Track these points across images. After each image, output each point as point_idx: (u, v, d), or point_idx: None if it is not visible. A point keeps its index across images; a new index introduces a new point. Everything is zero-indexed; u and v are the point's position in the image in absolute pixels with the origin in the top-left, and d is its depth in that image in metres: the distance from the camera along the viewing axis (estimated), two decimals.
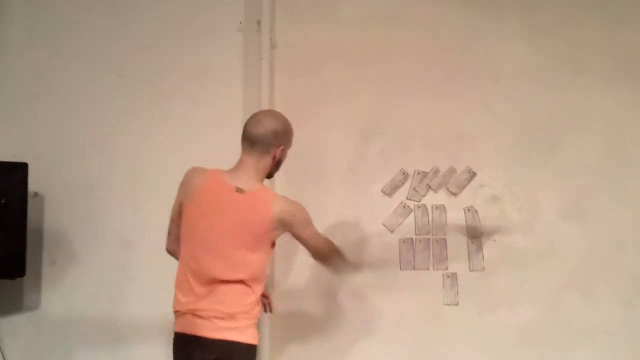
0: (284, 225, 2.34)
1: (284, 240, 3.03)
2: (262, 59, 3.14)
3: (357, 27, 3.17)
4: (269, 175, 2.44)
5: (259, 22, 3.19)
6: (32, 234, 3.06)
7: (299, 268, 3.06)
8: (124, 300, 3.09)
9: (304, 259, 2.97)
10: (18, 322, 3.13)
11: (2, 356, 3.08)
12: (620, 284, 2.92)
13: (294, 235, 2.40)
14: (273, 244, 2.39)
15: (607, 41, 3.04)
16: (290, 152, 3.10)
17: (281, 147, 2.38)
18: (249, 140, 2.35)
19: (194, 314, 2.26)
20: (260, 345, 2.89)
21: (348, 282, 3.02)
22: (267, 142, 2.34)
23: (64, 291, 3.14)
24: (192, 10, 3.28)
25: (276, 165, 2.43)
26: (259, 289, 2.35)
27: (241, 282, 2.29)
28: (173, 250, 2.43)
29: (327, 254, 2.50)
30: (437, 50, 3.11)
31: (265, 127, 2.35)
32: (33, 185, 3.05)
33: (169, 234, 2.44)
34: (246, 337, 2.28)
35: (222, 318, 2.24)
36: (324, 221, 3.05)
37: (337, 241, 2.98)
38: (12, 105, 3.29)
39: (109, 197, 3.18)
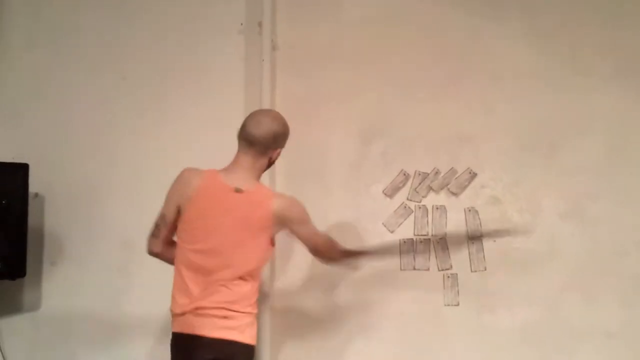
0: (283, 222, 2.35)
1: (285, 240, 3.04)
2: (263, 60, 3.15)
3: (358, 29, 3.17)
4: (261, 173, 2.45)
5: (260, 24, 3.19)
6: (33, 235, 3.07)
7: (299, 268, 3.06)
8: (125, 300, 3.10)
9: (304, 258, 2.99)
10: (18, 322, 3.13)
11: (3, 356, 3.07)
12: (621, 285, 2.91)
13: (292, 231, 2.41)
14: (273, 243, 2.40)
15: (608, 42, 3.03)
16: (292, 153, 3.11)
17: (278, 150, 2.40)
18: (248, 140, 2.34)
19: (194, 313, 2.26)
20: (260, 346, 2.91)
21: (348, 282, 3.02)
22: (266, 144, 2.34)
23: (64, 292, 3.15)
24: (194, 12, 3.28)
25: (269, 165, 2.44)
26: (257, 287, 2.37)
27: (242, 280, 2.30)
28: (160, 252, 2.41)
29: (326, 250, 2.50)
30: (438, 51, 3.12)
31: (265, 129, 2.34)
32: (34, 186, 3.06)
33: (155, 236, 2.40)
34: (245, 337, 2.29)
35: (222, 317, 2.25)
36: (324, 222, 3.04)
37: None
38: (13, 106, 3.30)
39: (109, 198, 3.18)
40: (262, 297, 2.95)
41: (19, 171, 2.98)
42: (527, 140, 3.02)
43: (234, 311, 2.27)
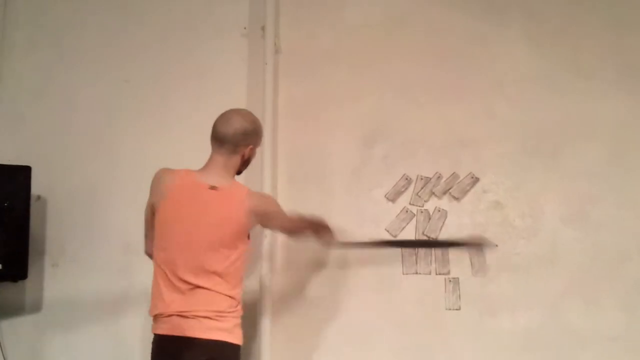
0: (258, 217, 2.41)
1: (286, 241, 3.05)
2: (266, 64, 3.15)
3: (360, 33, 3.18)
4: (238, 172, 2.49)
5: (263, 28, 3.20)
6: (35, 237, 3.08)
7: (299, 271, 3.05)
8: (126, 303, 3.09)
9: (304, 259, 2.99)
10: (20, 324, 3.13)
11: (4, 358, 3.07)
12: (624, 290, 2.90)
13: (267, 225, 2.55)
14: (248, 237, 2.43)
15: (611, 47, 3.03)
16: (293, 157, 3.14)
17: (250, 147, 2.43)
18: (218, 139, 2.40)
19: (181, 315, 2.26)
20: (261, 347, 2.91)
21: (350, 285, 3.02)
22: (236, 141, 2.39)
23: (65, 294, 3.14)
24: (197, 16, 3.30)
25: (245, 163, 2.48)
26: (240, 285, 2.39)
27: (222, 279, 2.31)
28: (152, 252, 2.43)
29: (301, 232, 2.61)
30: (441, 56, 3.12)
31: (235, 126, 2.39)
32: (36, 188, 3.07)
33: (147, 236, 2.48)
34: (234, 337, 2.31)
35: (210, 318, 2.26)
36: None
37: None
38: (15, 108, 3.31)
39: (111, 201, 3.19)
40: (263, 298, 2.97)
41: (21, 173, 2.99)
42: (530, 144, 3.02)
43: (221, 310, 2.28)
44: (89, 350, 3.10)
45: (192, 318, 2.25)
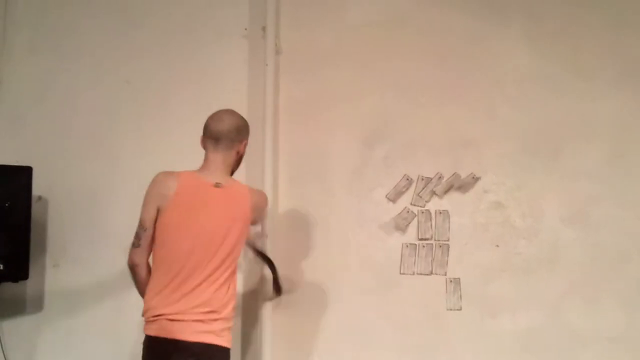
0: (257, 214, 2.50)
1: (287, 242, 3.05)
2: (266, 64, 3.16)
3: (361, 33, 3.18)
4: (232, 172, 2.51)
5: (264, 28, 3.20)
6: (36, 237, 3.09)
7: (300, 270, 3.06)
8: (127, 304, 3.08)
9: (305, 260, 3.00)
10: (21, 324, 3.14)
11: (5, 358, 3.07)
12: (624, 291, 2.90)
13: (256, 222, 2.62)
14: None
15: (612, 47, 3.03)
16: (294, 157, 3.14)
17: (244, 142, 2.50)
18: (214, 138, 2.43)
19: (171, 318, 2.25)
20: (262, 348, 2.91)
21: (351, 286, 3.02)
22: (231, 137, 2.44)
23: (66, 294, 3.15)
24: (198, 17, 3.30)
25: (238, 161, 2.53)
26: (236, 288, 2.41)
27: (224, 280, 2.32)
28: (141, 262, 2.36)
29: None
30: (442, 56, 3.12)
31: (228, 123, 2.45)
32: (37, 189, 3.07)
33: (138, 246, 2.35)
34: (222, 340, 2.31)
35: (201, 321, 2.25)
36: (327, 226, 3.07)
37: (340, 246, 3.04)
38: (17, 109, 3.31)
39: (112, 201, 3.19)
40: (263, 299, 2.97)
41: (23, 174, 2.99)
42: (530, 144, 3.02)
43: (214, 311, 2.28)
44: (89, 350, 3.10)
45: (183, 321, 2.25)
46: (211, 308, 2.28)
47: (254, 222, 2.58)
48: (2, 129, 3.28)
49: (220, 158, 2.43)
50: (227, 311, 2.34)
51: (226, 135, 2.43)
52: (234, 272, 2.39)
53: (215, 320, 2.29)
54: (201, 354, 2.25)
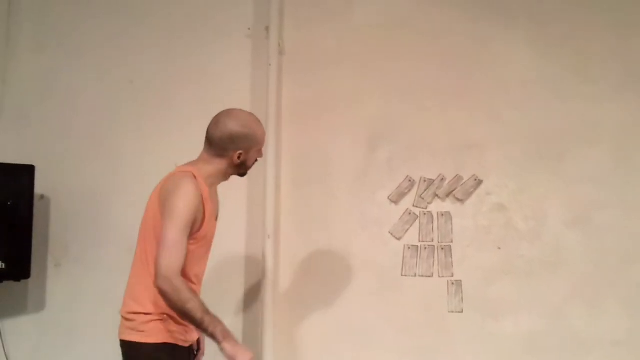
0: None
1: (289, 243, 3.04)
2: (270, 65, 3.15)
3: (364, 34, 3.17)
4: (240, 175, 2.30)
5: (267, 29, 3.20)
6: (38, 236, 3.09)
7: (302, 273, 3.05)
8: None
9: (306, 260, 2.99)
10: (23, 323, 3.14)
11: (6, 357, 3.07)
12: (627, 294, 2.89)
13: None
14: None
15: (616, 50, 3.03)
16: (297, 159, 3.13)
17: (239, 152, 2.19)
18: (206, 139, 2.22)
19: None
20: (262, 349, 2.91)
21: (352, 287, 3.02)
22: (223, 145, 2.18)
23: (68, 293, 3.16)
24: (201, 16, 3.29)
25: (239, 167, 2.24)
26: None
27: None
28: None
29: None
30: (445, 58, 3.11)
31: (222, 129, 2.18)
32: (40, 187, 3.08)
33: (179, 259, 2.06)
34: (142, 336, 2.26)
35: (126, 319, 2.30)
36: (329, 228, 3.07)
37: (341, 247, 3.03)
38: (20, 108, 3.31)
39: (115, 201, 3.19)
40: (265, 299, 2.97)
41: (25, 173, 2.99)
42: (533, 147, 3.02)
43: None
44: (91, 349, 3.10)
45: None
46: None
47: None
48: (5, 128, 3.28)
49: (208, 159, 2.21)
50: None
51: (217, 143, 2.18)
52: None
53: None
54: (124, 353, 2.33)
